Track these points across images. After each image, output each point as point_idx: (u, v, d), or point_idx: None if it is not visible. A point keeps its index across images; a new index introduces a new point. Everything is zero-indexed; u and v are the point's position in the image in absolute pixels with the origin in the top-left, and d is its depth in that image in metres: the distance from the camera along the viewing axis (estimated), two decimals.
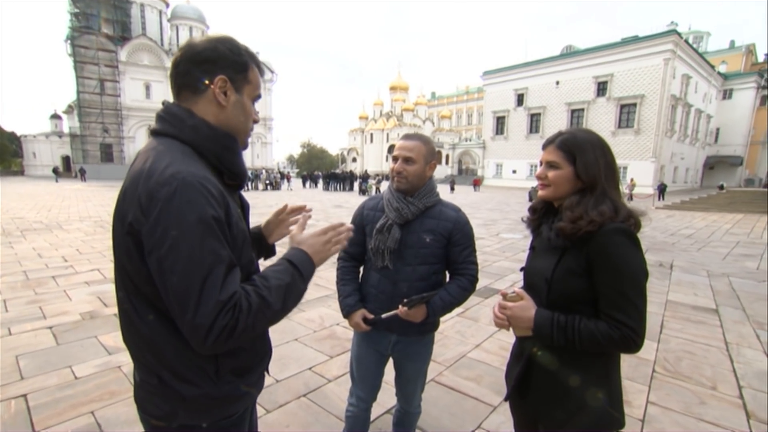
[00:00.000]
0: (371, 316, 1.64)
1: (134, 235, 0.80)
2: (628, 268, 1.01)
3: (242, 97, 0.95)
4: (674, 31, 30.64)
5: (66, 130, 43.00)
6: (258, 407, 2.40)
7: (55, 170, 36.18)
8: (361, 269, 1.82)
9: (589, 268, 1.05)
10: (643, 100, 32.26)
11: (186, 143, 0.88)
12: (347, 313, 1.71)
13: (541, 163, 1.18)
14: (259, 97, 1.01)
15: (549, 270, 1.12)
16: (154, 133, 0.92)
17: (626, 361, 3.17)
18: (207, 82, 0.90)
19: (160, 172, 0.79)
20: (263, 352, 1.06)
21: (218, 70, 0.90)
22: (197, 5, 45.70)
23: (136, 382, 0.94)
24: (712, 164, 44.27)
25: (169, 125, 0.90)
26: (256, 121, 1.04)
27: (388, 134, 61.61)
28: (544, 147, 1.18)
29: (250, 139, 1.07)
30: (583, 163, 1.09)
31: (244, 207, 1.06)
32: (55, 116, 44.87)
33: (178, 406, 0.88)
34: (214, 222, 0.79)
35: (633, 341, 0.99)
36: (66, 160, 41.69)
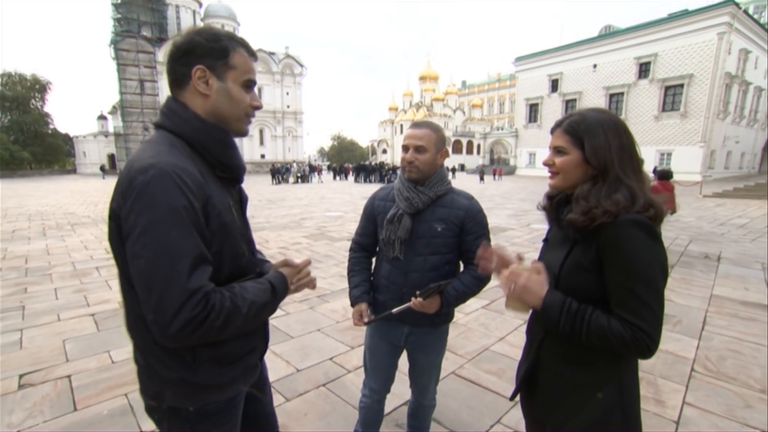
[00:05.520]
0: (370, 317, 1.61)
1: (116, 220, 0.83)
2: (642, 266, 0.89)
3: (226, 84, 0.93)
4: (731, 2, 27.68)
5: (111, 129, 45.74)
6: (277, 395, 2.46)
7: (102, 168, 38.83)
8: (374, 260, 1.80)
9: (600, 262, 0.94)
10: (692, 80, 29.76)
11: (178, 135, 0.91)
12: (351, 304, 1.70)
13: (550, 149, 1.09)
14: (251, 81, 0.97)
15: (557, 264, 1.03)
16: (155, 126, 0.95)
17: (660, 358, 2.98)
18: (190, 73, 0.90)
19: (141, 160, 0.82)
20: (253, 343, 1.04)
21: (195, 60, 0.90)
22: (228, 3, 46.94)
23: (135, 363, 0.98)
24: None
25: (165, 118, 0.94)
26: (256, 107, 1.00)
27: None
28: (553, 131, 1.08)
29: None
30: (591, 146, 0.98)
31: (243, 201, 1.07)
32: (102, 117, 47.95)
33: (164, 388, 0.92)
34: (185, 212, 0.80)
35: (646, 346, 0.88)
36: (111, 158, 44.38)
